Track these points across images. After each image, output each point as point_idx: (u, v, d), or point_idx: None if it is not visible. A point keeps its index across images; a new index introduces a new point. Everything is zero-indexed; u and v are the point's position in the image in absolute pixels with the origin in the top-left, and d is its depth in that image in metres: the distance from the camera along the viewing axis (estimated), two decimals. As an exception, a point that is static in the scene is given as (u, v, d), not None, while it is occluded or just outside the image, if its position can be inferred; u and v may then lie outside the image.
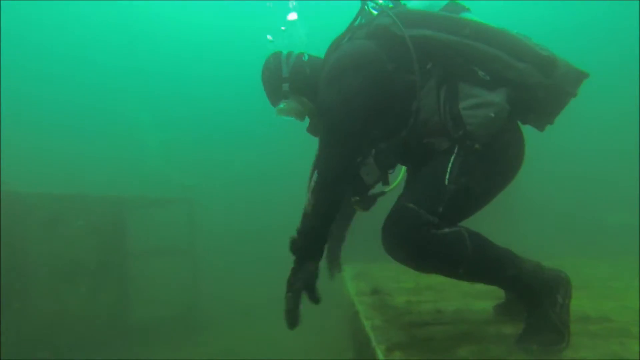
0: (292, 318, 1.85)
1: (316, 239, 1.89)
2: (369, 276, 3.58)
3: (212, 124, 14.34)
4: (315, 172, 1.88)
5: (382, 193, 2.28)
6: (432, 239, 1.73)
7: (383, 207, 2.00)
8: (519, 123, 2.06)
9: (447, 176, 1.83)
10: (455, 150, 1.85)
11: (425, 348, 1.83)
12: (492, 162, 1.89)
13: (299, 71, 2.25)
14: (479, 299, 2.70)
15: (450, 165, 1.84)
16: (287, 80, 2.25)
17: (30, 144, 10.76)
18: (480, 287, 2.66)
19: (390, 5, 2.14)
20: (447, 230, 1.76)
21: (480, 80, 1.87)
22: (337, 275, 2.64)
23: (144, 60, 15.37)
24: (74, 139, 12.74)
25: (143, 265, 6.63)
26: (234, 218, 9.64)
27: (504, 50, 1.86)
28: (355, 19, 2.22)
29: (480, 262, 1.78)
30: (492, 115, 1.82)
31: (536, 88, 1.87)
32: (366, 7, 2.19)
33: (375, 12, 2.15)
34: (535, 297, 1.85)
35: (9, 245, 4.96)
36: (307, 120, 2.32)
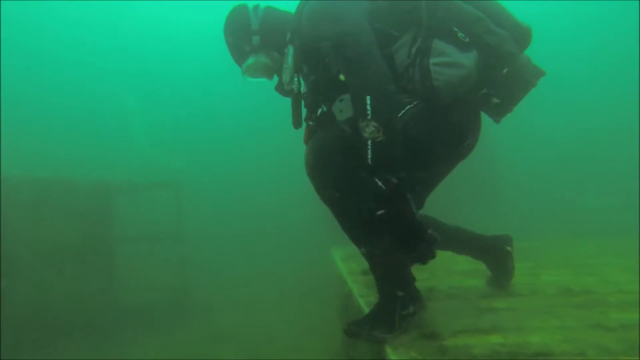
0: None
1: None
2: (358, 257, 3.63)
3: (198, 107, 14.22)
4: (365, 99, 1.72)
5: None
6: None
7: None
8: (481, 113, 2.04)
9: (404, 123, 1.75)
10: (414, 102, 1.75)
11: (421, 323, 1.88)
12: (450, 127, 1.88)
13: (270, 23, 2.15)
14: (471, 277, 2.78)
15: (403, 111, 1.74)
16: (258, 33, 2.14)
17: (14, 126, 10.53)
18: (470, 266, 2.77)
19: None
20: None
21: (457, 40, 1.81)
22: (325, 259, 2.64)
23: (131, 43, 15.08)
24: (59, 122, 12.52)
25: (130, 250, 6.61)
26: (221, 201, 9.63)
27: (487, 15, 1.84)
28: None
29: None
30: (460, 75, 1.78)
31: (509, 58, 1.86)
32: None
33: None
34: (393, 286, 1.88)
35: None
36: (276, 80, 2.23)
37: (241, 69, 2.22)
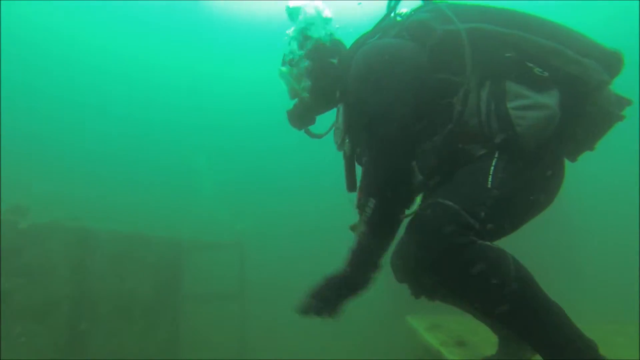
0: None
1: (367, 267, 1.71)
2: (444, 328, 3.53)
3: (266, 169, 14.61)
4: (370, 198, 1.66)
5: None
6: (475, 249, 1.45)
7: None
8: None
9: (490, 179, 1.58)
10: (497, 155, 1.62)
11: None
12: (538, 174, 1.67)
13: (321, 53, 2.12)
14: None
15: (492, 168, 1.60)
16: (307, 53, 2.14)
17: (95, 184, 11.36)
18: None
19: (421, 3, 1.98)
20: (489, 243, 1.49)
21: (534, 78, 1.64)
22: (399, 328, 2.48)
23: (205, 107, 15.91)
24: (131, 176, 13.26)
25: (195, 306, 6.74)
26: (284, 261, 9.69)
27: (564, 45, 1.66)
28: (385, 17, 2.02)
29: (526, 300, 1.45)
30: (544, 117, 1.60)
31: (598, 88, 1.66)
32: (392, 13, 2.01)
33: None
34: None
35: (78, 280, 5.19)
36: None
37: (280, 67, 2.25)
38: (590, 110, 1.70)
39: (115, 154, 14.05)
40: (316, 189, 12.42)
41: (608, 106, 1.72)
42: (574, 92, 1.65)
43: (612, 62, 1.69)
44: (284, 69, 2.21)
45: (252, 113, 15.54)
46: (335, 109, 2.10)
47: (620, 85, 1.78)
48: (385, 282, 1.96)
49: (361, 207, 1.72)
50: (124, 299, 5.71)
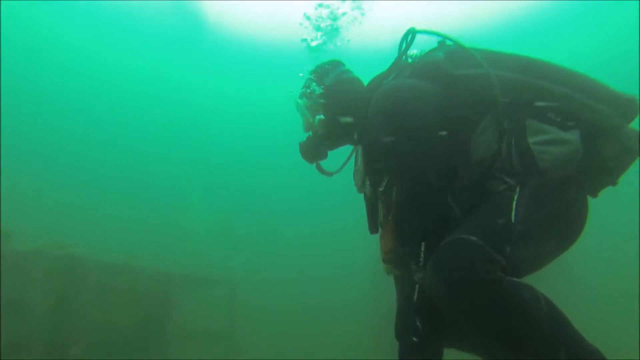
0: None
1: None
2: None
3: (264, 203, 14.33)
4: (421, 243, 1.63)
5: None
6: (504, 285, 1.39)
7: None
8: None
9: (514, 214, 1.54)
10: (518, 190, 1.60)
11: None
12: (562, 209, 1.65)
13: (339, 90, 2.13)
14: None
15: (515, 203, 1.57)
16: (324, 87, 2.14)
17: (91, 206, 11.10)
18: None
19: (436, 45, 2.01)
20: (517, 279, 1.44)
21: (551, 120, 1.66)
22: None
23: (202, 130, 15.68)
24: (124, 202, 12.93)
25: (181, 345, 6.38)
26: (277, 302, 9.34)
27: (577, 90, 1.70)
28: (399, 58, 2.03)
29: (559, 339, 1.38)
30: (567, 152, 1.61)
31: (613, 132, 1.69)
32: (404, 57, 2.03)
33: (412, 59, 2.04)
34: None
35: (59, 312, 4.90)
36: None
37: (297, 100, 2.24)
38: (611, 147, 1.71)
39: (110, 170, 13.79)
40: (321, 229, 12.18)
41: (628, 142, 1.72)
42: (592, 132, 1.68)
43: (627, 108, 1.72)
44: (300, 101, 2.20)
45: (255, 140, 15.43)
46: (346, 149, 2.13)
47: (620, 85, 1.78)
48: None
49: (411, 255, 1.67)
50: (106, 334, 5.38)
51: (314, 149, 2.17)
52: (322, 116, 2.11)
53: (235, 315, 7.41)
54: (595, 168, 1.72)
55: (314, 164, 2.23)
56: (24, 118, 12.96)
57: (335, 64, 2.23)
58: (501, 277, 1.40)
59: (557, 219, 1.65)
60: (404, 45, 1.98)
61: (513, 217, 1.53)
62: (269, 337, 7.28)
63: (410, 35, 1.94)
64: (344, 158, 2.15)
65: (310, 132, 2.20)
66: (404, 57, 2.01)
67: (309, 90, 2.18)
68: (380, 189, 1.89)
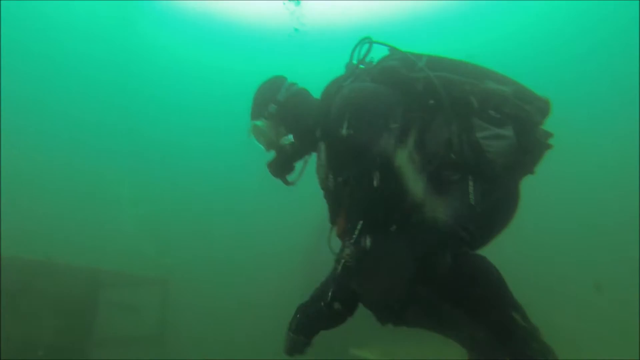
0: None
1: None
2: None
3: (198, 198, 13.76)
4: (358, 221, 1.81)
5: None
6: (470, 258, 1.81)
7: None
8: None
9: (472, 198, 1.86)
10: (471, 178, 1.90)
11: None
12: (503, 193, 2.02)
13: (294, 102, 2.25)
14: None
15: (471, 189, 1.88)
16: (279, 103, 2.24)
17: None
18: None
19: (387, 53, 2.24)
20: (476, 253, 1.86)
21: (491, 118, 1.97)
22: None
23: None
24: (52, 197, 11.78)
25: (108, 350, 5.89)
26: (212, 302, 8.96)
27: (513, 93, 2.00)
28: (356, 65, 2.24)
29: (511, 301, 1.78)
30: (507, 144, 1.94)
31: (535, 127, 2.04)
32: (354, 62, 2.24)
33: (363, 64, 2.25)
34: None
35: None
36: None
37: (250, 125, 2.31)
38: (532, 142, 2.05)
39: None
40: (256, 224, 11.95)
41: (541, 138, 2.09)
42: (521, 129, 2.00)
43: (544, 107, 2.08)
44: (258, 122, 2.25)
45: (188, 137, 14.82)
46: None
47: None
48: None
49: (348, 232, 1.84)
50: (20, 343, 4.80)
51: (284, 166, 2.27)
52: (290, 136, 2.22)
53: (168, 317, 6.97)
54: (523, 159, 2.06)
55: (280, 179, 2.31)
56: None
57: (281, 79, 2.35)
58: (466, 252, 1.80)
59: (500, 202, 2.01)
60: (357, 53, 2.22)
61: (472, 201, 1.84)
62: (202, 340, 6.96)
63: (367, 44, 2.21)
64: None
65: (274, 151, 2.28)
66: (360, 65, 2.22)
67: (266, 111, 2.24)
68: (340, 179, 2.02)
